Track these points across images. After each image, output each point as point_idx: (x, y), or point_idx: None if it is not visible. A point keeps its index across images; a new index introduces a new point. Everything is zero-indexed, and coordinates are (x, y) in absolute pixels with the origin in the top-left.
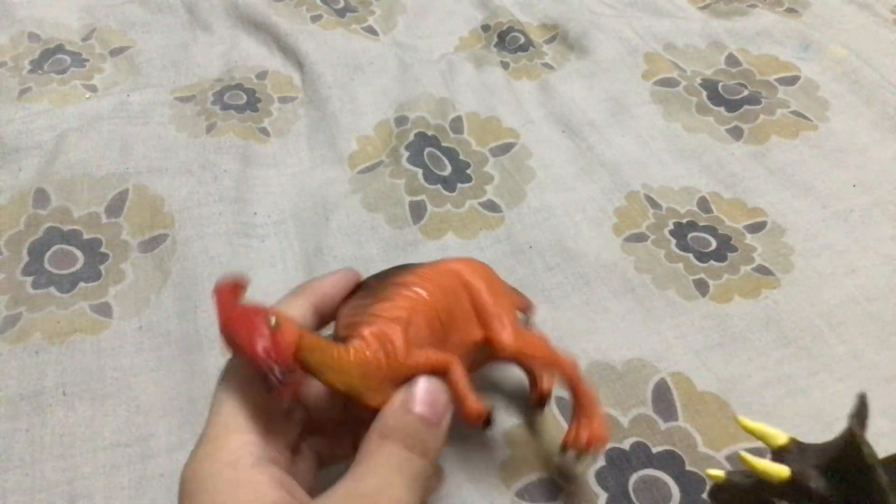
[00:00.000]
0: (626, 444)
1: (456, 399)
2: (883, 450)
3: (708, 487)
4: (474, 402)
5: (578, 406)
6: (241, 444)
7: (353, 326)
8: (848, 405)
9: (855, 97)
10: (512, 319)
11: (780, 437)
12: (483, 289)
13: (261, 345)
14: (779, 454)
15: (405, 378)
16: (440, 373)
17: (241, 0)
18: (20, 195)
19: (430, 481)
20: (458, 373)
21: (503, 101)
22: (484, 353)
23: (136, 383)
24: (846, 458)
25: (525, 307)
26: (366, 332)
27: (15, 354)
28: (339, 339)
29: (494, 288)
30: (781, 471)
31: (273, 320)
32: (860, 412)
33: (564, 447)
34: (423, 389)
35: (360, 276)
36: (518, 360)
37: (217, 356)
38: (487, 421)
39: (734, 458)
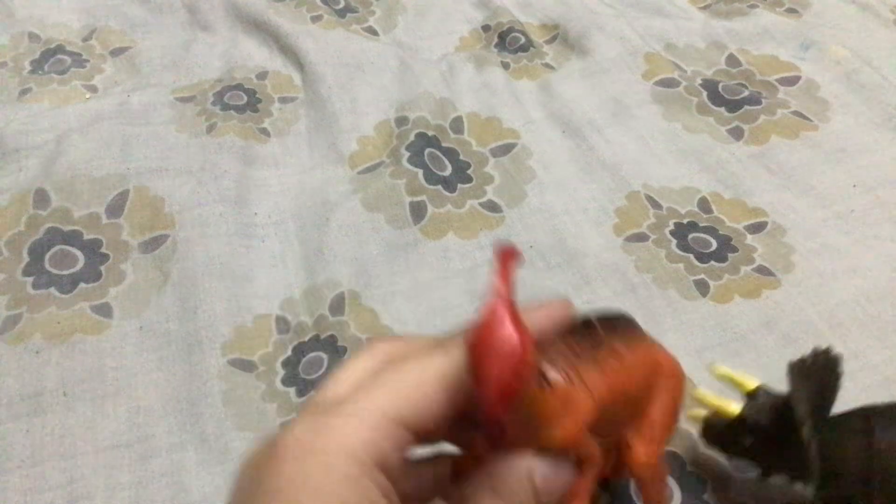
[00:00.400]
0: None
1: (570, 494)
2: None
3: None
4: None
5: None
6: (362, 438)
7: (573, 368)
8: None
9: (855, 97)
10: (661, 442)
11: (750, 384)
12: (664, 402)
13: (509, 393)
14: (748, 398)
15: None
16: (580, 460)
17: (242, 0)
18: (20, 195)
19: None
20: (592, 473)
21: (504, 102)
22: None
23: (136, 384)
24: (784, 402)
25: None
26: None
27: (15, 355)
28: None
29: (672, 406)
30: (733, 408)
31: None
32: (806, 365)
33: None
34: (551, 468)
35: (573, 308)
36: (634, 476)
37: (217, 357)
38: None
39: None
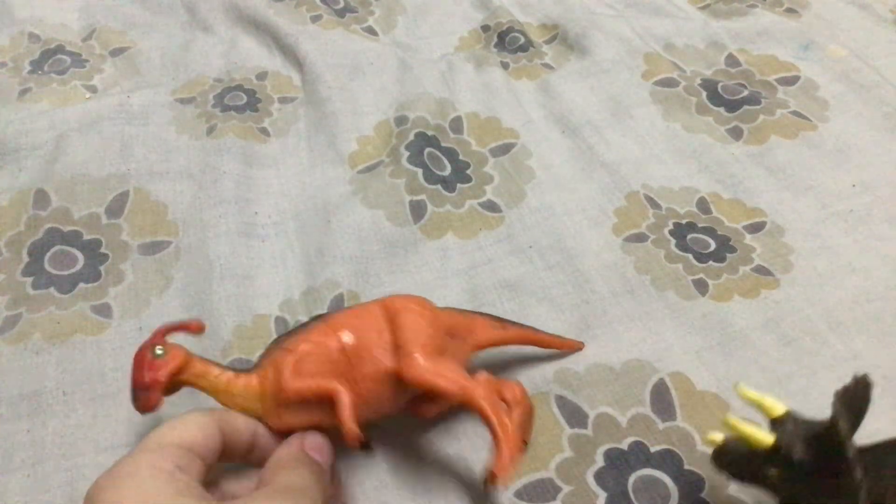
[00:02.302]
0: (624, 444)
1: (338, 422)
2: None
3: (711, 451)
4: (350, 428)
5: (492, 438)
6: (156, 459)
7: (262, 358)
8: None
9: (855, 97)
10: (428, 353)
11: (778, 409)
12: (407, 324)
13: (140, 370)
14: (774, 424)
15: (297, 402)
16: (326, 398)
17: (241, 0)
18: (20, 196)
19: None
20: (344, 401)
21: (503, 102)
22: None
23: None
24: (828, 437)
25: (502, 340)
26: (264, 361)
27: (15, 355)
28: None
29: (425, 323)
30: (766, 438)
31: (158, 350)
32: (849, 394)
33: (484, 481)
34: (316, 437)
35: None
36: (426, 390)
37: (217, 359)
38: (365, 445)
39: None
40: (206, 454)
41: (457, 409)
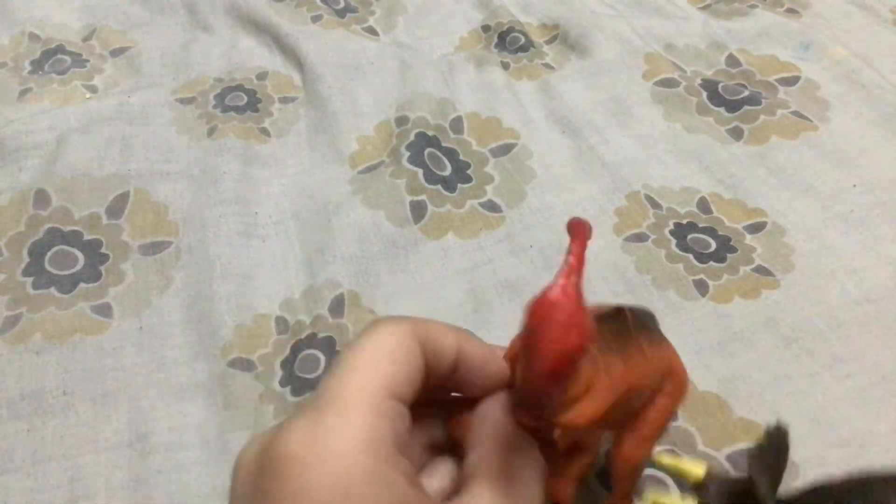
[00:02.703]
0: None
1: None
2: (883, 449)
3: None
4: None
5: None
6: (371, 426)
7: (601, 355)
8: (848, 405)
9: (855, 97)
10: (651, 443)
11: (697, 471)
12: (664, 405)
13: (562, 369)
14: (698, 488)
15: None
16: (578, 446)
17: (242, 0)
18: (21, 196)
19: None
20: (584, 461)
21: (503, 102)
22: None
23: (136, 384)
24: (748, 494)
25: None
26: (633, 353)
27: (15, 355)
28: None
29: (670, 411)
30: (692, 469)
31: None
32: (764, 450)
33: None
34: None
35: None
36: (615, 470)
37: (218, 358)
38: None
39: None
40: (411, 396)
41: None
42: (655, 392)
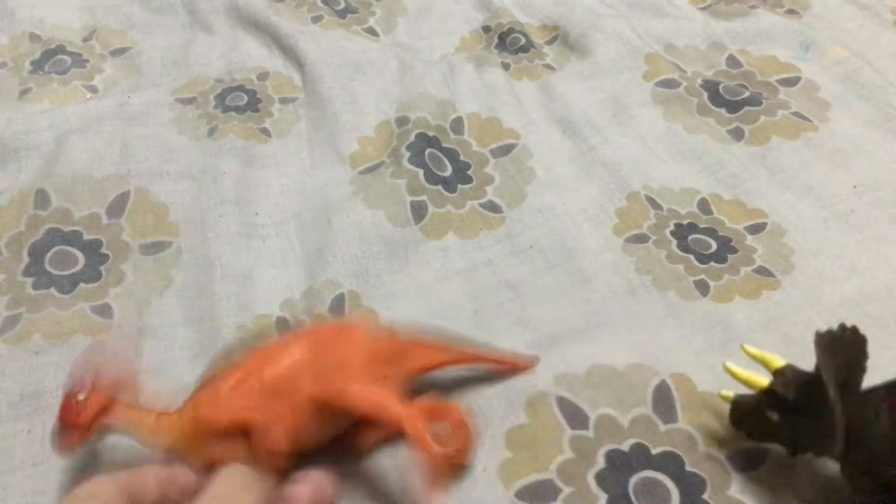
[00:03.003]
0: (625, 446)
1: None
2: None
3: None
4: (268, 452)
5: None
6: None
7: (187, 399)
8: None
9: (855, 98)
10: (355, 379)
11: (779, 361)
12: (333, 353)
13: (64, 412)
14: (775, 375)
15: (216, 435)
16: (245, 430)
17: (242, 0)
18: (21, 196)
19: None
20: (259, 429)
21: (504, 102)
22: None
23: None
24: (814, 379)
25: (443, 363)
26: (187, 400)
27: (15, 355)
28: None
29: (353, 351)
30: (762, 380)
31: (81, 397)
32: (833, 338)
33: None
34: (315, 480)
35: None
36: (356, 416)
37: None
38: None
39: (735, 459)
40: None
41: (394, 437)
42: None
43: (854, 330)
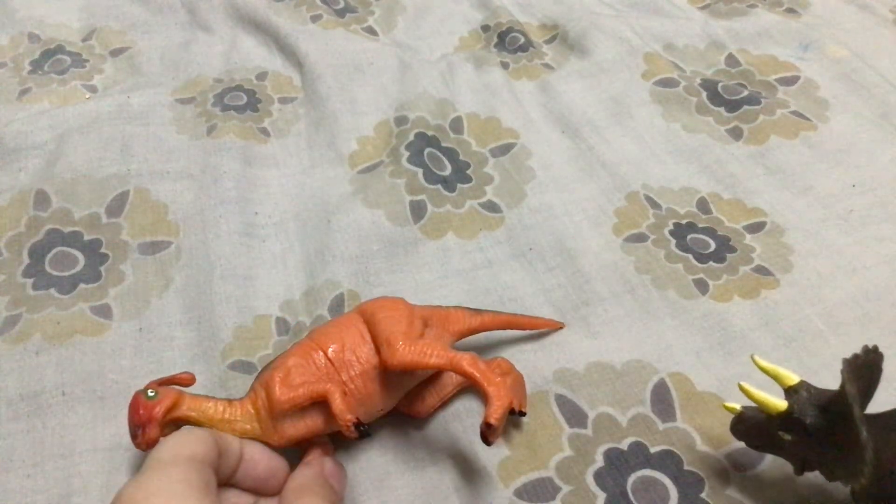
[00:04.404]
0: (624, 445)
1: (333, 415)
2: None
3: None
4: (344, 416)
5: (483, 394)
6: (197, 471)
7: (253, 382)
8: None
9: (855, 97)
10: (407, 339)
11: (792, 378)
12: (383, 320)
13: (135, 411)
14: (788, 393)
15: (292, 412)
16: (320, 401)
17: (241, 0)
18: (21, 196)
19: None
20: (335, 394)
21: (503, 102)
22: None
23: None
24: (838, 401)
25: (479, 327)
26: (255, 384)
27: (15, 355)
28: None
29: (400, 316)
30: (778, 404)
31: (150, 393)
32: (859, 362)
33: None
34: (330, 464)
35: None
36: (413, 370)
37: (218, 359)
38: (363, 431)
39: (733, 458)
40: (214, 468)
41: (449, 404)
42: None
43: (875, 350)
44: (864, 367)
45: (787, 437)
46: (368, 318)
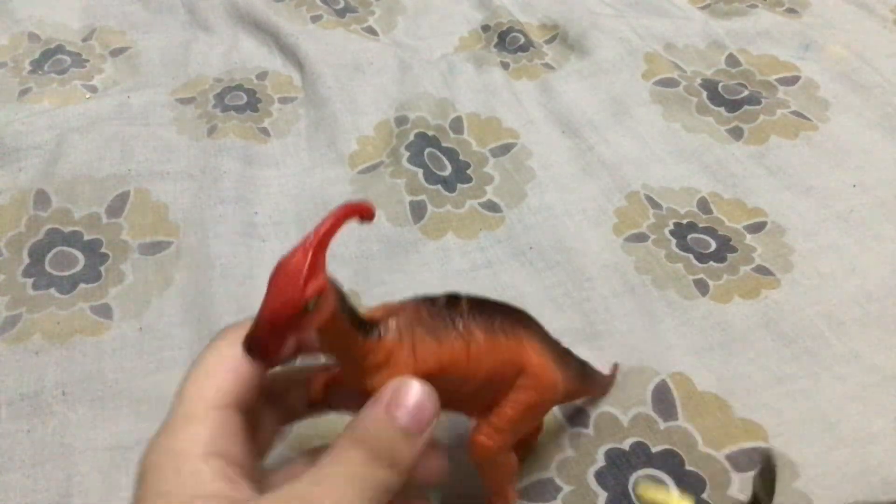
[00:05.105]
0: (625, 444)
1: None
2: (883, 449)
3: None
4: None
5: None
6: (192, 434)
7: (409, 331)
8: (848, 405)
9: (855, 97)
10: (505, 433)
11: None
12: (518, 399)
13: (279, 320)
14: None
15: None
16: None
17: (242, 0)
18: (21, 196)
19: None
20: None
21: (503, 102)
22: None
23: (136, 385)
24: None
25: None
26: (403, 332)
27: (15, 355)
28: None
29: (526, 405)
30: (682, 501)
31: (313, 303)
32: (765, 473)
33: None
34: (414, 396)
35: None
36: (470, 458)
37: None
38: None
39: (735, 458)
40: (249, 402)
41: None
42: (509, 387)
43: (766, 451)
44: (768, 474)
45: None
46: (517, 372)
